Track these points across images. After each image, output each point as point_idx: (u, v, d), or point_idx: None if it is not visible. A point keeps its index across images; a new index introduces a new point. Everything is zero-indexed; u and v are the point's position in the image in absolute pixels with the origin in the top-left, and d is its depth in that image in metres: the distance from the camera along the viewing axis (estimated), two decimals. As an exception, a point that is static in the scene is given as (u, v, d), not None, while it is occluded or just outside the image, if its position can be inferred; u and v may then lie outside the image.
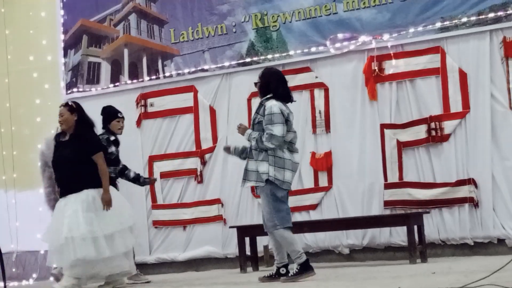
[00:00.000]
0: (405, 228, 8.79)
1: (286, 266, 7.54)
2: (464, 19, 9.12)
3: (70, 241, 7.78)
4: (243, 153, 7.75)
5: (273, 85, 7.54)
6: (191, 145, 10.59)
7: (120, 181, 9.23)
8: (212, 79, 10.53)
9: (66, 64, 11.63)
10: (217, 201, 10.35)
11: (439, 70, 9.26)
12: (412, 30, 9.36)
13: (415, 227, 8.76)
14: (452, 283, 5.75)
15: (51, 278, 9.90)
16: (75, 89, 11.48)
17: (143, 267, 10.11)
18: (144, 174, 10.44)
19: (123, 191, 10.83)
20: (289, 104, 7.56)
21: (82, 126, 8.13)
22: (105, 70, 11.34)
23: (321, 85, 9.88)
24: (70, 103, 8.30)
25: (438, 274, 6.86)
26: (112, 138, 8.95)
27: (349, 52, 9.70)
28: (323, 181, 9.80)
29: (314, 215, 9.80)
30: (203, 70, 10.58)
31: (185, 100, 10.65)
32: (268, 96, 7.48)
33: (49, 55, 11.80)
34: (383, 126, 9.51)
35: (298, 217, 9.81)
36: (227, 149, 8.03)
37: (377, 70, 9.52)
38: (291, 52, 10.01)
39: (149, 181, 9.71)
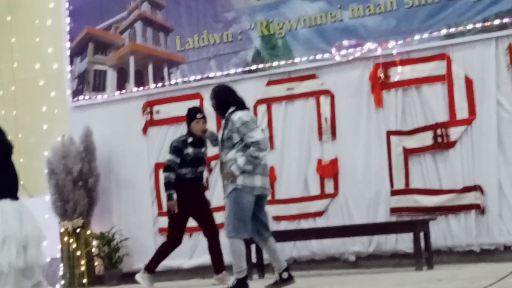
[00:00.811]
0: (411, 235, 8.78)
1: (287, 269, 7.50)
2: (470, 26, 9.12)
3: None
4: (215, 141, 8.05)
5: (231, 98, 7.50)
6: (197, 152, 10.59)
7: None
8: (218, 86, 10.54)
9: (72, 71, 11.65)
10: (222, 208, 10.32)
11: (444, 77, 9.26)
12: (418, 37, 9.37)
13: (421, 234, 8.75)
14: (459, 290, 5.75)
15: None
16: (81, 97, 11.50)
17: (149, 275, 10.09)
18: (150, 181, 10.45)
19: (130, 198, 10.89)
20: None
21: None
22: (111, 77, 11.36)
23: (326, 92, 9.88)
24: None
25: (444, 281, 6.85)
26: (190, 139, 8.86)
27: (355, 59, 9.71)
28: (329, 188, 9.80)
29: (320, 222, 9.79)
30: (208, 78, 10.59)
31: (191, 107, 10.66)
32: (231, 110, 7.43)
33: (55, 63, 11.82)
34: (389, 133, 9.51)
35: (304, 224, 9.81)
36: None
37: (382, 77, 9.53)
38: (297, 60, 10.02)
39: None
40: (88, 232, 10.92)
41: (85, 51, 11.59)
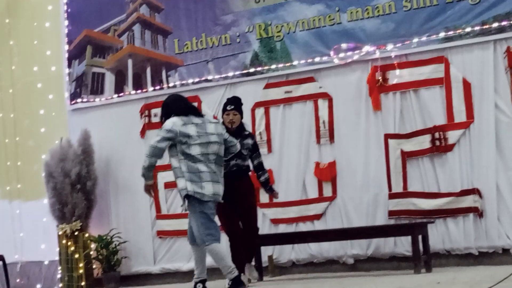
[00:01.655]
0: (409, 238, 8.78)
1: (203, 282, 7.59)
2: (468, 29, 9.12)
3: None
4: None
5: (171, 107, 7.61)
6: (195, 155, 10.58)
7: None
8: (216, 89, 10.55)
9: (70, 74, 11.65)
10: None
11: (443, 80, 9.27)
12: (416, 40, 9.37)
13: (420, 237, 8.74)
14: (457, 293, 5.75)
15: None
16: (79, 100, 11.49)
17: (148, 278, 10.11)
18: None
19: (128, 200, 10.89)
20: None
21: None
22: (109, 80, 11.36)
23: (325, 95, 9.88)
24: None
25: (442, 284, 6.85)
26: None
27: (353, 62, 9.71)
28: (327, 191, 9.79)
29: (318, 225, 9.79)
30: (207, 81, 10.60)
31: (189, 110, 10.65)
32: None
33: (53, 66, 11.81)
34: (387, 136, 9.51)
35: (302, 227, 9.81)
36: None
37: (381, 80, 9.53)
38: (295, 62, 10.02)
39: (272, 192, 9.14)
40: (86, 235, 10.91)
41: (83, 53, 11.59)
